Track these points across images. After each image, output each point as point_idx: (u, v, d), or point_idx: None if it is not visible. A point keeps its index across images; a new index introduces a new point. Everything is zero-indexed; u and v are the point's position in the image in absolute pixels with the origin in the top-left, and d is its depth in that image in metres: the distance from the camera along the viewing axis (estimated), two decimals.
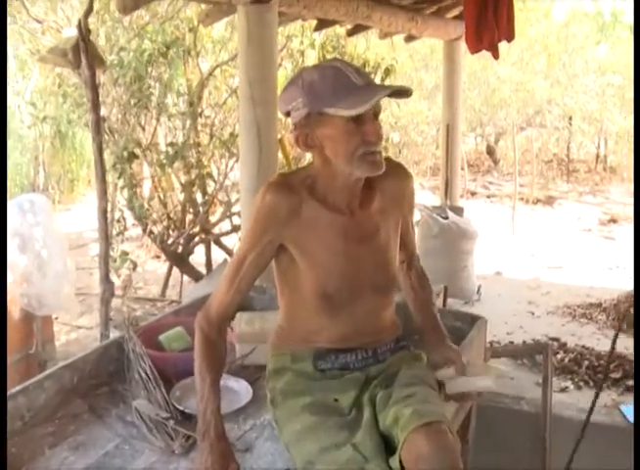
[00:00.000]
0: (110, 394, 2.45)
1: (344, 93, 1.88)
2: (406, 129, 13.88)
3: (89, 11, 3.68)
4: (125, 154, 5.13)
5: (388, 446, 1.85)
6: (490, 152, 16.51)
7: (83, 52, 3.61)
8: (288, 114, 2.00)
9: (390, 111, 11.43)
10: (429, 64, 13.50)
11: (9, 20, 5.69)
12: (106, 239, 3.80)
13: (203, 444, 1.90)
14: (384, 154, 1.96)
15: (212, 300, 2.13)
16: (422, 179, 14.46)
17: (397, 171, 2.14)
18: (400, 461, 1.76)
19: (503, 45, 4.70)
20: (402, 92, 1.93)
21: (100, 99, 3.97)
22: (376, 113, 1.93)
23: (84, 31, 3.60)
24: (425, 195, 12.09)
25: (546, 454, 3.31)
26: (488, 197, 13.16)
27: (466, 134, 14.91)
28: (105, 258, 3.83)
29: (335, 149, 1.95)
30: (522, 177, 13.65)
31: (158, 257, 8.15)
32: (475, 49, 4.54)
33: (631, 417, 3.40)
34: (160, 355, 2.53)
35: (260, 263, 2.08)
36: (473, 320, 2.79)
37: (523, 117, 14.49)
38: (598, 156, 16.34)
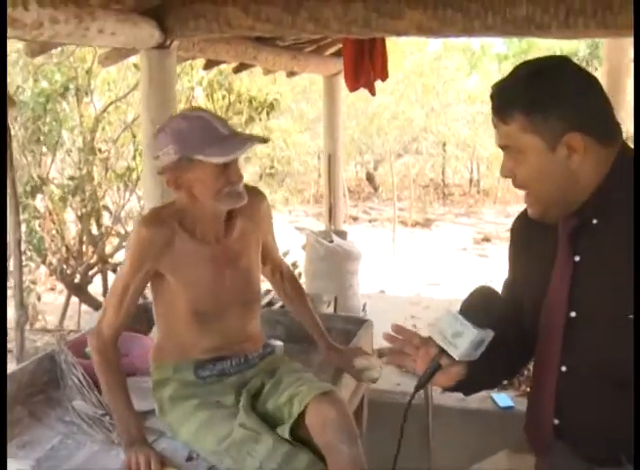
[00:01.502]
0: (46, 400, 2.73)
1: (212, 142, 2.15)
2: (289, 159, 14.32)
3: None
4: (29, 188, 5.35)
5: (269, 422, 2.25)
6: (370, 179, 17.09)
7: None
8: (157, 157, 2.27)
9: (273, 143, 11.82)
10: (309, 96, 13.96)
11: None
12: (20, 268, 4.04)
13: (130, 449, 2.20)
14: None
15: (102, 325, 2.38)
16: (306, 207, 14.92)
17: (252, 194, 2.43)
18: (294, 429, 2.15)
19: (378, 81, 5.25)
20: (262, 140, 2.32)
21: None
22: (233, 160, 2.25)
23: None
24: (309, 221, 12.52)
25: (429, 439, 3.77)
26: (370, 221, 13.70)
27: (346, 162, 15.42)
28: (19, 286, 4.06)
29: (203, 189, 2.22)
30: (400, 202, 14.28)
31: (52, 289, 8.26)
32: (352, 88, 5.09)
33: (501, 402, 3.90)
34: (91, 363, 2.83)
35: (140, 288, 2.39)
36: (360, 323, 3.22)
37: (400, 145, 15.13)
38: (471, 180, 17.18)
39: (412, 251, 10.71)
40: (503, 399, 3.96)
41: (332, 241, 6.42)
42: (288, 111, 13.32)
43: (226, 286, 2.39)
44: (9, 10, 2.77)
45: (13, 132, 5.89)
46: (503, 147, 1.60)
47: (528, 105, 1.52)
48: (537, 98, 1.53)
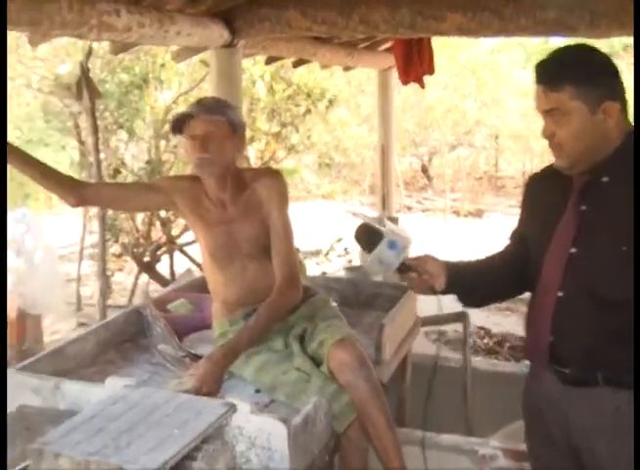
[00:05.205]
0: (135, 346, 3.24)
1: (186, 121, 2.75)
2: (346, 152, 14.68)
3: (89, 52, 4.47)
4: (111, 171, 5.90)
5: (316, 363, 2.70)
6: (424, 170, 17.31)
7: (85, 86, 4.39)
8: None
9: (334, 135, 12.19)
10: (365, 90, 14.27)
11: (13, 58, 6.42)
12: (103, 242, 4.55)
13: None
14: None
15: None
16: (361, 197, 15.30)
17: (270, 175, 2.97)
18: (329, 369, 2.61)
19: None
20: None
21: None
22: (195, 135, 2.73)
23: (85, 69, 4.39)
24: (364, 210, 12.88)
25: (467, 401, 4.19)
26: (423, 211, 14.01)
27: (402, 155, 15.71)
28: (102, 257, 4.57)
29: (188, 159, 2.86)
30: (454, 193, 14.57)
31: (121, 270, 8.78)
32: (404, 82, 5.54)
33: None
34: (172, 317, 3.33)
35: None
36: (405, 289, 3.64)
37: (454, 138, 15.35)
38: (524, 172, 17.26)
39: (463, 238, 11.04)
40: None
41: (384, 225, 6.82)
42: (345, 103, 13.66)
43: (231, 240, 2.85)
44: (104, 17, 3.27)
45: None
46: (548, 111, 1.96)
47: (579, 77, 1.91)
48: (586, 72, 1.93)
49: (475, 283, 2.21)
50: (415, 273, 2.19)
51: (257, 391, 2.77)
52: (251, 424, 2.15)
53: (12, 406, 2.47)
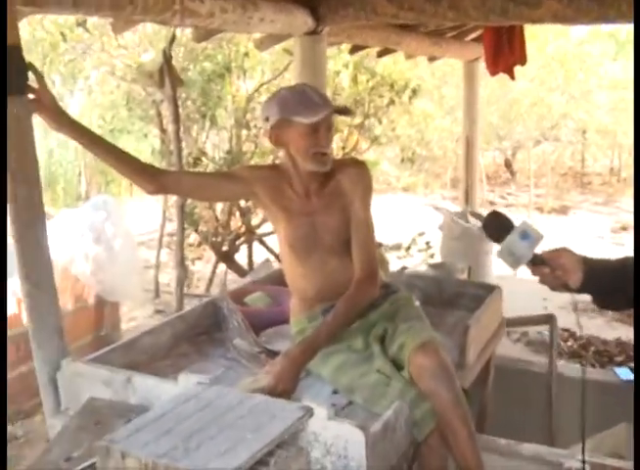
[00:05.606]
0: (210, 340, 3.17)
1: (305, 107, 2.59)
2: (428, 145, 14.48)
3: (172, 40, 4.43)
4: (191, 159, 5.88)
5: (396, 366, 2.57)
6: (508, 165, 16.97)
7: (167, 74, 4.36)
8: (267, 119, 2.72)
9: (418, 127, 12.02)
10: (449, 81, 14.05)
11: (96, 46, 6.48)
12: (182, 230, 4.51)
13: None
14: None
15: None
16: (443, 190, 15.07)
17: (354, 165, 2.86)
18: (409, 374, 2.48)
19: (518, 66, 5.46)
20: (347, 111, 2.75)
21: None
22: (329, 125, 2.67)
23: (168, 56, 4.35)
24: (445, 204, 12.67)
25: (552, 407, 4.00)
26: (506, 206, 13.69)
27: (485, 148, 15.42)
28: (180, 246, 4.54)
29: (296, 148, 2.67)
30: (538, 189, 14.21)
31: (199, 258, 8.81)
32: (493, 72, 5.32)
33: (622, 375, 4.09)
34: (249, 310, 3.25)
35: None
36: (490, 289, 3.49)
37: (539, 132, 14.98)
38: (612, 168, 16.79)
39: (547, 236, 10.66)
40: (625, 372, 4.15)
41: (467, 221, 6.65)
42: (428, 95, 13.46)
43: (312, 232, 2.76)
44: (186, 2, 3.21)
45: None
46: None
47: None
48: None
49: (614, 284, 1.99)
50: (548, 268, 2.01)
51: (335, 391, 2.67)
52: (327, 430, 2.04)
53: (83, 397, 2.43)
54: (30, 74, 2.42)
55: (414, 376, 2.47)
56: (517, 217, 2.05)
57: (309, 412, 2.00)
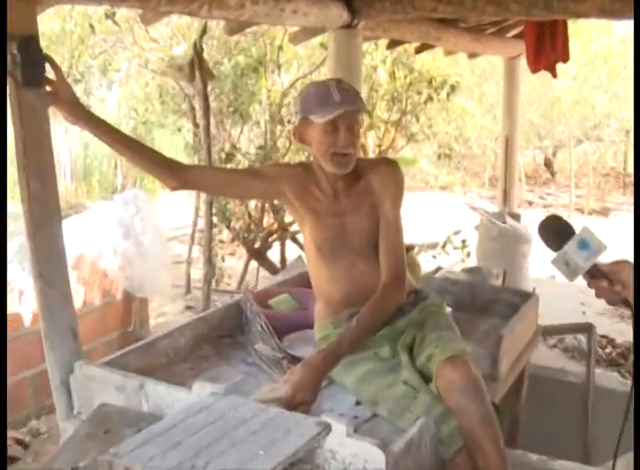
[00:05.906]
0: (232, 343, 3.07)
1: (320, 105, 2.48)
2: (467, 143, 14.28)
3: (203, 33, 4.34)
4: (223, 156, 5.78)
5: (424, 378, 2.42)
6: (548, 164, 16.73)
7: (197, 68, 4.26)
8: (296, 114, 2.62)
9: (456, 124, 11.87)
10: (490, 78, 13.85)
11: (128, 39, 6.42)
12: (210, 227, 4.42)
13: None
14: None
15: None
16: (480, 189, 14.86)
17: (385, 164, 2.73)
18: (437, 388, 2.33)
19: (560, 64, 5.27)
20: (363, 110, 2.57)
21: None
22: (350, 125, 2.51)
23: (198, 49, 4.25)
24: (483, 204, 12.48)
25: (588, 418, 3.84)
26: (545, 207, 13.47)
27: (525, 147, 15.18)
28: (208, 244, 4.45)
29: (316, 147, 2.55)
30: (578, 189, 13.94)
31: (232, 254, 8.74)
32: (534, 70, 5.13)
33: None
34: (273, 313, 3.13)
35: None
36: (527, 296, 3.35)
37: (580, 131, 14.72)
38: None
39: None
40: None
41: (505, 222, 6.49)
42: (468, 92, 13.27)
43: (341, 233, 2.64)
44: None
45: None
46: None
47: None
48: None
49: None
50: (606, 281, 1.83)
51: (358, 402, 2.54)
52: (345, 447, 1.91)
53: (95, 402, 2.34)
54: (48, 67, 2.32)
55: (442, 390, 2.33)
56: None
57: (327, 428, 1.88)
